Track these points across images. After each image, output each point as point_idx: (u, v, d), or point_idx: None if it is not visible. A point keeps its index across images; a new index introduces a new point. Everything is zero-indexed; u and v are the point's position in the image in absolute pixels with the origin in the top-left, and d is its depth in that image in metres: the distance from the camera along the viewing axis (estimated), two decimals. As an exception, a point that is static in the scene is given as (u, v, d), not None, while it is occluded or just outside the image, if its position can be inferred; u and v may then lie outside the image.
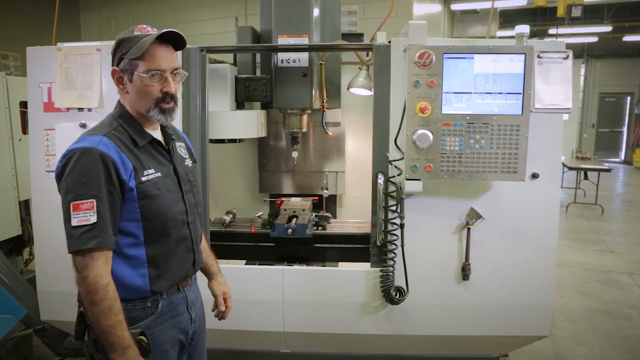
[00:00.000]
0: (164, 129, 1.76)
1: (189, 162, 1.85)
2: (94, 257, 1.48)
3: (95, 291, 1.48)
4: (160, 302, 1.67)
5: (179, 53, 1.82)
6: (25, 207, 3.97)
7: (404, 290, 2.35)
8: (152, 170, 1.63)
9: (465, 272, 2.37)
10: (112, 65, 1.65)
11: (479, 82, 2.11)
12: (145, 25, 1.63)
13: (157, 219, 1.63)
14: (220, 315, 2.00)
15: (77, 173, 1.49)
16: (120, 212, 1.56)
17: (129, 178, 1.55)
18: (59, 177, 1.54)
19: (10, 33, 9.69)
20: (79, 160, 1.50)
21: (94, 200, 1.48)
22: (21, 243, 4.07)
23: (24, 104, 3.78)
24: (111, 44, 2.26)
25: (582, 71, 15.78)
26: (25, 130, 3.86)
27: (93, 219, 1.47)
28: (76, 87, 2.46)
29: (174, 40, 1.63)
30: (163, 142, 1.74)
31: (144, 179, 1.60)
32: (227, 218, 2.90)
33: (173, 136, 1.80)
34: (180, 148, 1.84)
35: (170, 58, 1.62)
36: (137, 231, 1.60)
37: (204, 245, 1.98)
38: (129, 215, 1.58)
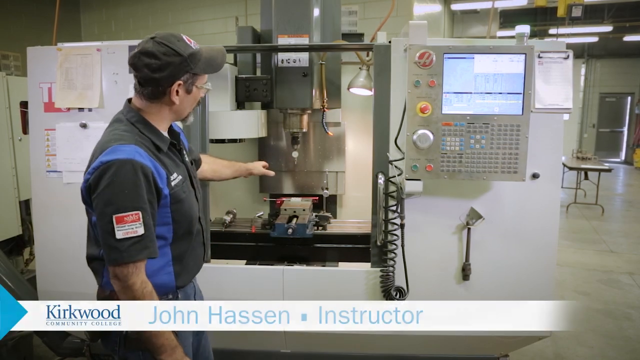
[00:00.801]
0: (170, 128, 1.78)
1: (187, 157, 1.87)
2: (137, 266, 1.52)
3: (142, 297, 1.54)
4: (179, 295, 1.76)
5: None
6: (25, 207, 3.97)
7: (404, 291, 2.35)
8: (175, 174, 1.67)
9: (465, 272, 2.37)
10: (174, 77, 1.62)
11: (480, 82, 2.11)
12: (187, 37, 1.67)
13: (185, 221, 1.70)
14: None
15: (117, 185, 1.48)
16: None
17: (164, 186, 1.60)
18: (93, 189, 1.52)
19: (10, 33, 9.69)
20: (118, 172, 1.49)
21: (139, 212, 1.49)
22: (21, 243, 4.08)
23: (24, 104, 3.78)
24: (112, 44, 2.27)
25: (583, 71, 15.78)
26: (25, 130, 3.86)
27: (140, 230, 1.49)
28: (76, 87, 2.46)
29: None
30: (176, 142, 1.78)
31: (173, 184, 1.64)
32: (228, 218, 2.90)
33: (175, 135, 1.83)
34: (184, 142, 1.90)
35: None
36: (167, 234, 1.67)
37: (222, 164, 2.35)
38: (162, 220, 1.63)
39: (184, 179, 1.73)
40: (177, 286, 1.74)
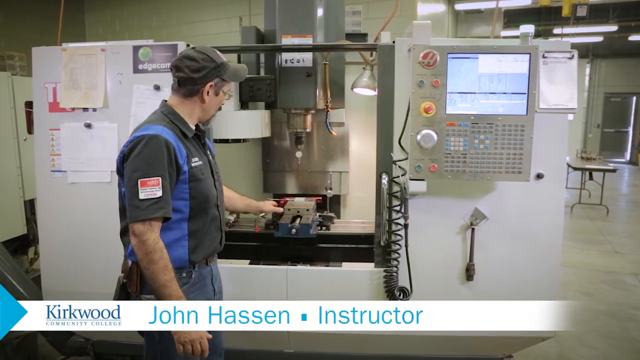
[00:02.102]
0: (197, 128, 2.03)
1: (211, 155, 2.14)
2: (153, 224, 1.75)
3: (154, 251, 1.74)
4: (193, 274, 1.95)
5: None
6: (30, 206, 3.99)
7: (407, 291, 2.34)
8: (197, 159, 1.93)
9: (469, 273, 2.37)
10: (208, 79, 1.91)
11: (484, 82, 2.10)
12: (218, 52, 1.97)
13: (202, 198, 1.93)
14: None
15: (145, 155, 1.76)
16: (172, 192, 1.83)
17: (183, 163, 1.85)
18: (125, 158, 1.80)
19: (15, 33, 9.73)
20: (147, 144, 1.77)
21: (159, 178, 1.75)
22: (26, 242, 4.10)
23: (29, 104, 3.78)
24: (116, 44, 2.36)
25: (587, 71, 15.71)
26: (30, 130, 3.87)
27: (159, 193, 1.75)
28: (81, 87, 2.47)
29: None
30: (201, 136, 2.05)
31: (193, 164, 1.90)
32: (231, 218, 2.91)
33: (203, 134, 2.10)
34: (209, 145, 2.16)
35: None
36: (184, 209, 1.89)
37: (239, 195, 2.52)
38: (180, 195, 1.87)
39: (205, 165, 1.98)
40: (190, 261, 1.92)
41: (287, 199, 3.11)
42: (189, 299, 1.85)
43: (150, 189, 1.74)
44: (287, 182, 3.34)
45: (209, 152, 2.10)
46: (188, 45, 1.99)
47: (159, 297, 1.77)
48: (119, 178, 1.90)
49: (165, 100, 2.01)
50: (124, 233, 1.91)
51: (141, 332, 1.96)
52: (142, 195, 1.73)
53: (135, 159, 1.77)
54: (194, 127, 1.99)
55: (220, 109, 2.06)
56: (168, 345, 1.85)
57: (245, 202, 2.58)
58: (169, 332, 1.81)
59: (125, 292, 1.90)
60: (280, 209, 2.72)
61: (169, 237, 1.85)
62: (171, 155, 1.79)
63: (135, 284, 1.87)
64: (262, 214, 2.72)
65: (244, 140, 2.87)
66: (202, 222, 1.95)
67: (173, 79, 1.95)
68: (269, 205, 2.67)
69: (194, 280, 1.96)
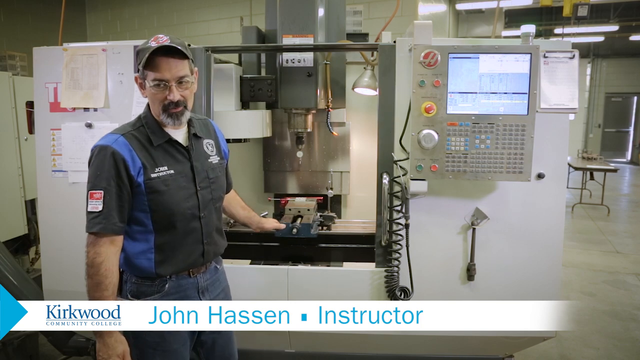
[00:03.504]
0: (189, 128, 1.91)
1: (214, 159, 1.99)
2: (96, 239, 1.73)
3: (90, 266, 1.72)
4: (167, 283, 1.86)
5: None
6: (31, 206, 4.00)
7: (408, 291, 2.34)
8: (164, 168, 1.81)
9: (470, 273, 2.37)
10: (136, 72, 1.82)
11: (485, 82, 2.10)
12: (160, 35, 1.75)
13: (164, 212, 1.81)
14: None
15: (94, 167, 1.74)
16: (131, 203, 1.78)
17: (137, 174, 1.75)
18: (88, 166, 1.78)
19: (16, 33, 9.75)
20: (97, 155, 1.74)
21: (102, 192, 1.71)
22: (27, 242, 4.10)
23: (30, 104, 3.80)
24: (117, 44, 2.36)
25: (588, 71, 15.69)
26: (31, 130, 3.88)
27: (99, 207, 1.71)
28: (82, 87, 2.47)
29: (179, 51, 1.74)
30: (184, 141, 1.88)
31: (153, 175, 1.78)
32: (231, 220, 2.90)
33: (200, 134, 1.96)
34: (207, 145, 1.99)
35: (175, 68, 1.74)
36: (146, 221, 1.81)
37: (240, 204, 2.38)
38: (139, 207, 1.79)
39: (177, 174, 1.84)
40: (157, 273, 1.83)
41: (288, 198, 3.12)
42: None
43: (95, 202, 1.72)
44: (288, 182, 3.34)
45: (200, 156, 1.92)
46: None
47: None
48: None
49: None
50: None
51: None
52: (88, 207, 1.74)
53: (89, 169, 1.76)
54: (174, 129, 1.84)
55: (176, 103, 1.76)
56: (143, 350, 1.86)
57: (249, 214, 2.42)
58: (145, 336, 1.83)
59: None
60: (283, 225, 2.51)
61: (135, 248, 1.82)
62: (119, 168, 1.72)
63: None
64: (261, 230, 2.48)
65: (245, 140, 2.87)
66: (169, 236, 1.84)
67: None
68: (272, 223, 2.48)
69: (169, 290, 1.86)
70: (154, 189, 1.77)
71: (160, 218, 1.81)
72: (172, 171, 1.82)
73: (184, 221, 1.85)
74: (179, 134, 1.88)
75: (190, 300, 1.88)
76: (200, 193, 1.88)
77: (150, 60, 1.71)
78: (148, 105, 1.85)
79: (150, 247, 1.83)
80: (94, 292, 1.72)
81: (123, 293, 1.87)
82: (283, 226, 2.50)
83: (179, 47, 1.72)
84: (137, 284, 1.84)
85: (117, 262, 1.78)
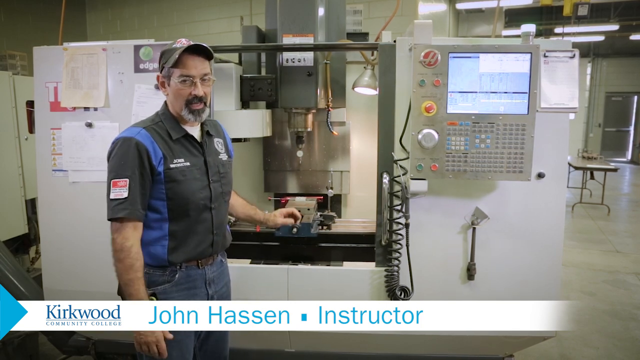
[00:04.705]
0: (202, 126, 2.04)
1: (223, 156, 2.12)
2: (122, 224, 1.81)
3: (120, 250, 1.80)
4: (177, 273, 1.96)
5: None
6: (31, 205, 4.00)
7: (408, 290, 2.34)
8: (181, 160, 1.93)
9: (470, 272, 2.37)
10: (159, 71, 1.96)
11: (485, 82, 2.10)
12: (183, 39, 1.92)
13: (180, 200, 1.92)
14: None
15: (118, 157, 1.84)
16: (150, 192, 1.88)
17: (158, 164, 1.86)
18: (108, 159, 1.88)
19: (17, 33, 9.76)
20: (120, 146, 1.84)
21: (127, 180, 1.81)
22: (27, 241, 4.11)
23: (30, 104, 3.80)
24: (117, 43, 2.39)
25: (589, 70, 15.69)
26: (31, 129, 3.88)
27: (125, 194, 1.80)
28: (82, 86, 2.47)
29: (205, 51, 1.92)
30: (198, 138, 2.01)
31: (172, 166, 1.90)
32: (232, 217, 2.90)
33: (212, 132, 2.09)
34: (218, 143, 2.12)
35: (200, 66, 1.91)
36: (162, 209, 1.91)
37: (243, 202, 2.42)
38: (157, 195, 1.89)
39: (193, 166, 1.96)
40: (169, 261, 1.93)
41: (288, 198, 3.12)
42: (172, 299, 1.89)
43: (119, 190, 1.80)
44: (288, 181, 3.34)
45: (212, 152, 2.05)
46: None
47: (123, 294, 1.84)
48: None
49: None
50: None
51: None
52: (111, 195, 1.82)
53: (111, 160, 1.86)
54: (190, 126, 1.99)
55: (199, 98, 1.90)
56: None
57: (248, 212, 2.42)
58: None
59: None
60: (291, 220, 2.44)
61: (150, 236, 1.91)
62: (142, 157, 1.83)
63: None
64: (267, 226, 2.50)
65: (245, 140, 2.87)
66: (183, 224, 1.95)
67: None
68: (281, 219, 2.42)
69: (179, 280, 1.95)
70: (172, 178, 1.89)
71: (176, 206, 1.92)
72: (188, 163, 1.94)
73: (197, 210, 1.96)
74: (194, 131, 2.01)
75: (197, 291, 2.00)
76: (212, 186, 2.01)
77: (179, 59, 1.85)
78: (165, 104, 1.99)
79: (165, 235, 1.92)
80: (127, 274, 1.79)
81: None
82: (291, 221, 2.45)
83: (206, 46, 1.91)
84: (148, 274, 1.89)
85: (140, 247, 1.87)
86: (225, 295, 2.16)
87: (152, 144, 1.86)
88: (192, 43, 1.89)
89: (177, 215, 1.93)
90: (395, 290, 2.34)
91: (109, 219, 1.83)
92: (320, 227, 2.81)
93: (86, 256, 2.56)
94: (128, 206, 1.80)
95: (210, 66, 1.97)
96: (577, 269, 5.56)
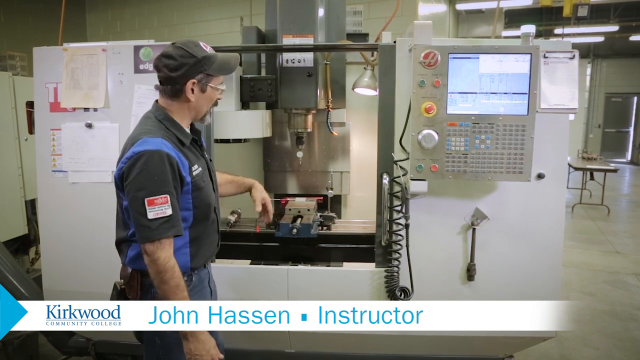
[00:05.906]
0: (192, 128, 1.96)
1: (206, 153, 2.06)
2: (163, 242, 1.70)
3: (165, 271, 1.70)
4: (193, 277, 1.93)
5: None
6: (31, 206, 4.00)
7: (408, 291, 2.34)
8: (196, 166, 1.87)
9: (470, 273, 2.37)
10: (188, 76, 1.80)
11: (485, 82, 2.10)
12: (201, 42, 1.85)
13: (204, 207, 1.89)
14: (265, 219, 2.35)
15: (148, 172, 1.68)
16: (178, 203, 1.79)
17: (186, 174, 1.80)
18: (126, 176, 1.72)
19: (16, 33, 9.76)
20: (148, 161, 1.69)
21: (167, 196, 1.69)
22: (27, 242, 4.10)
23: (30, 104, 3.80)
24: (117, 44, 2.35)
25: (588, 71, 15.70)
26: (31, 130, 3.88)
27: (169, 211, 1.70)
28: (82, 87, 2.47)
29: None
30: (197, 139, 1.96)
31: (194, 173, 1.84)
32: (232, 218, 2.91)
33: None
34: (204, 143, 2.09)
35: None
36: (188, 218, 1.85)
37: (225, 175, 2.30)
38: (184, 206, 1.81)
39: (204, 170, 1.92)
40: (191, 267, 1.90)
41: (288, 198, 3.11)
42: None
43: (159, 208, 1.68)
44: (288, 182, 3.34)
45: (204, 151, 2.04)
46: (174, 43, 1.84)
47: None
48: (118, 191, 1.83)
49: (157, 101, 1.91)
50: (121, 243, 1.90)
51: (140, 339, 1.95)
52: (150, 215, 1.67)
53: (138, 176, 1.69)
54: (189, 130, 1.92)
55: (216, 104, 1.96)
56: (170, 348, 1.85)
57: (226, 178, 2.32)
58: (171, 334, 1.81)
59: (123, 298, 1.86)
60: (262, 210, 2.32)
61: (174, 246, 1.80)
62: (174, 170, 1.73)
63: (135, 291, 1.84)
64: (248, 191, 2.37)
65: (245, 140, 2.87)
66: (202, 227, 1.93)
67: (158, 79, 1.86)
68: (259, 207, 2.29)
69: (195, 284, 1.94)
70: (197, 186, 1.85)
71: (200, 213, 1.88)
72: (200, 168, 1.89)
73: (212, 213, 1.96)
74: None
75: (205, 290, 2.00)
76: (214, 186, 2.02)
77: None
78: (159, 108, 1.86)
79: (186, 242, 1.87)
80: (175, 295, 1.72)
81: (147, 297, 1.84)
82: (269, 220, 2.36)
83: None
84: None
85: None
86: (215, 288, 2.14)
87: (177, 154, 1.76)
88: (223, 51, 1.92)
89: (199, 221, 1.89)
90: (395, 291, 2.34)
91: (150, 241, 1.69)
92: (320, 227, 2.81)
93: (86, 257, 2.56)
94: (175, 223, 1.71)
95: None
96: (577, 269, 5.56)
